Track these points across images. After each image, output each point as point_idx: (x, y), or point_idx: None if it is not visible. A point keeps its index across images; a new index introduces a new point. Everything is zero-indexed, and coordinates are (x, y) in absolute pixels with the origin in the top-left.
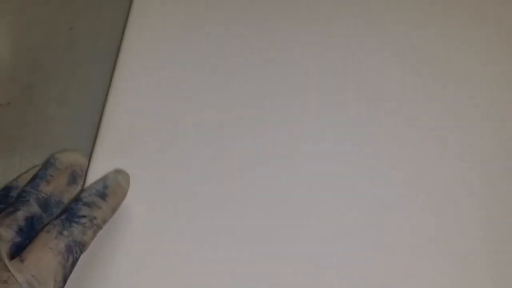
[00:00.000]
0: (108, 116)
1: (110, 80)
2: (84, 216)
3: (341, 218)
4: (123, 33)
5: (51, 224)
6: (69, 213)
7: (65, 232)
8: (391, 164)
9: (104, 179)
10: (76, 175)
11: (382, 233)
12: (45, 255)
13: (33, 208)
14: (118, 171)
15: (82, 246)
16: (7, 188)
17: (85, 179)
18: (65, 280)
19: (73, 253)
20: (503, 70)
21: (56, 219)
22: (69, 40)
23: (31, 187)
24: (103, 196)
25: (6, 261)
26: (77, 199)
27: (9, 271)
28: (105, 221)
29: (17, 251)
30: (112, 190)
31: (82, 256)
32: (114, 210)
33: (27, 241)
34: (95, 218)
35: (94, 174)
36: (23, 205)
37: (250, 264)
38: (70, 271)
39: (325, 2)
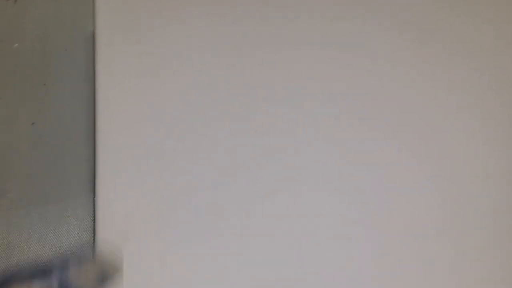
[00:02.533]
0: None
1: (94, 173)
2: None
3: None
4: (94, 123)
5: None
6: None
7: None
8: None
9: None
10: (105, 278)
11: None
12: None
13: (54, 285)
14: None
15: None
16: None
17: None
18: None
19: None
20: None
21: None
22: (33, 136)
23: (61, 266)
24: None
25: None
26: None
27: None
28: None
29: None
30: None
31: None
32: None
33: None
34: None
35: None
36: (44, 278)
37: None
38: None
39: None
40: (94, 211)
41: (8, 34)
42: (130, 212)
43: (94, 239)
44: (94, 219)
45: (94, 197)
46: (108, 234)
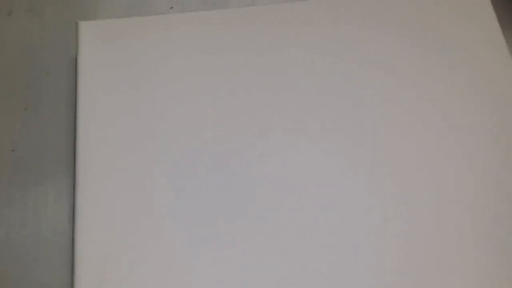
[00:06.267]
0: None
1: (74, 200)
2: None
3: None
4: (74, 150)
5: None
6: None
7: None
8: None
9: None
10: None
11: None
12: None
13: None
14: None
15: None
16: None
17: None
18: None
19: None
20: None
21: None
22: (13, 163)
23: None
24: None
25: None
26: None
27: None
28: None
29: None
30: None
31: None
32: None
33: None
34: None
35: None
36: None
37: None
38: None
39: None
40: (73, 243)
41: None
42: (110, 246)
43: (73, 274)
44: (73, 251)
45: (73, 227)
46: (87, 268)
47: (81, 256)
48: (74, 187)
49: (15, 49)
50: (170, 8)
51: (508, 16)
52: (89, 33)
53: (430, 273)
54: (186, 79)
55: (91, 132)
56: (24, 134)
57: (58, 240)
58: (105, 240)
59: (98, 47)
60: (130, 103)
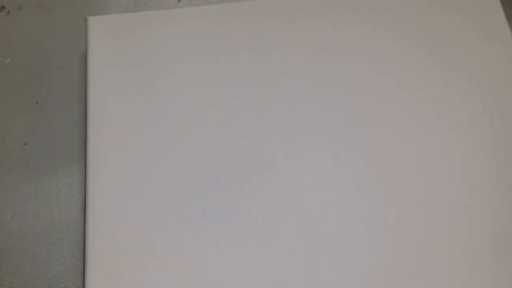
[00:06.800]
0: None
1: (85, 193)
2: None
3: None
4: (84, 144)
5: None
6: None
7: None
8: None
9: None
10: None
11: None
12: None
13: None
14: None
15: None
16: None
17: None
18: None
19: None
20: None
21: None
22: (25, 157)
23: None
24: None
25: None
26: None
27: None
28: None
29: None
30: None
31: None
32: None
33: None
34: None
35: None
36: None
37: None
38: None
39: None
40: (84, 235)
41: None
42: (121, 239)
43: (84, 266)
44: (84, 244)
45: (84, 220)
46: (98, 261)
47: (92, 248)
48: (85, 180)
49: (26, 44)
50: (178, 1)
51: None
52: (98, 27)
53: (430, 273)
54: (193, 73)
55: (101, 126)
56: (36, 128)
57: (70, 232)
58: (115, 233)
59: (107, 42)
60: (139, 96)
